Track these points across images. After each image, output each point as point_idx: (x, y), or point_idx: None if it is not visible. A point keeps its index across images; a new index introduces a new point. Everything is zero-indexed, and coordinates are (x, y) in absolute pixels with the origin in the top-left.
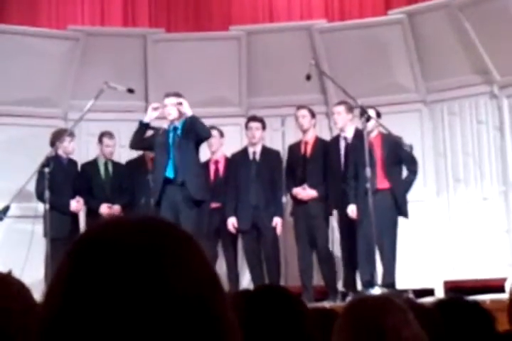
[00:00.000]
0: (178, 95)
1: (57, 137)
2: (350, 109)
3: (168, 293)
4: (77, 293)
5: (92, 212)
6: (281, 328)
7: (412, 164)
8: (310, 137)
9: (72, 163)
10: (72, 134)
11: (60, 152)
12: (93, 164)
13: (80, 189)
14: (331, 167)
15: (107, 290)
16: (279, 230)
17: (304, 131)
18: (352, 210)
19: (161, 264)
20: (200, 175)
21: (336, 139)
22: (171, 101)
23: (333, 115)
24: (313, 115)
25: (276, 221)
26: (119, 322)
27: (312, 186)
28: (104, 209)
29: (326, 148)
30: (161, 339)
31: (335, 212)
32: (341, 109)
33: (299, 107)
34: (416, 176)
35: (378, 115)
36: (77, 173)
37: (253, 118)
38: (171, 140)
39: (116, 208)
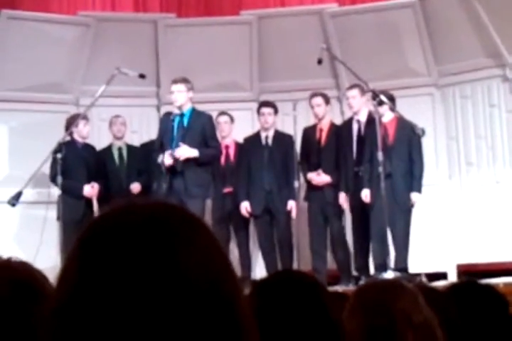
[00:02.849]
0: (185, 81)
1: (71, 121)
2: (363, 91)
3: (180, 277)
4: (88, 279)
5: (106, 198)
6: (306, 314)
7: (418, 154)
8: (325, 124)
9: (89, 147)
10: (86, 118)
11: (76, 136)
12: (107, 150)
13: (97, 175)
14: (343, 150)
15: (119, 274)
16: (294, 213)
17: (319, 119)
18: (366, 195)
19: (173, 249)
20: (201, 170)
21: (348, 122)
22: (178, 88)
23: (348, 99)
24: (327, 101)
25: (291, 204)
26: (131, 306)
27: (326, 172)
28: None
29: (338, 132)
30: (173, 324)
31: (343, 195)
32: (355, 92)
33: (313, 95)
34: (423, 170)
35: (393, 99)
36: (94, 158)
37: (265, 104)
38: (175, 127)
39: (136, 186)
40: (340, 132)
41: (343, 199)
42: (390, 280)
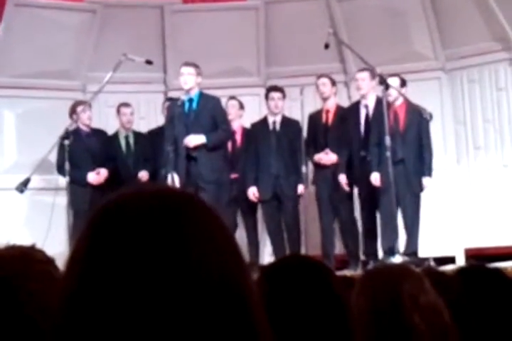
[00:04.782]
0: (196, 65)
1: (71, 110)
2: (373, 75)
3: (189, 264)
4: (96, 265)
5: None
6: (314, 298)
7: (427, 139)
8: (331, 105)
9: (97, 133)
10: (83, 103)
11: (80, 124)
12: (114, 138)
13: (105, 162)
14: (349, 134)
15: (128, 260)
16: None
17: (325, 99)
18: (375, 178)
19: (182, 235)
20: (214, 155)
21: (355, 106)
22: (188, 70)
23: (357, 81)
24: (333, 83)
25: (301, 188)
26: (140, 292)
27: (334, 151)
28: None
29: (344, 115)
30: (181, 310)
31: (344, 177)
32: (365, 75)
33: (320, 76)
34: (432, 155)
35: (403, 83)
36: (102, 144)
37: (274, 88)
38: (186, 112)
39: (144, 174)
40: (347, 115)
41: (344, 180)
42: (396, 264)
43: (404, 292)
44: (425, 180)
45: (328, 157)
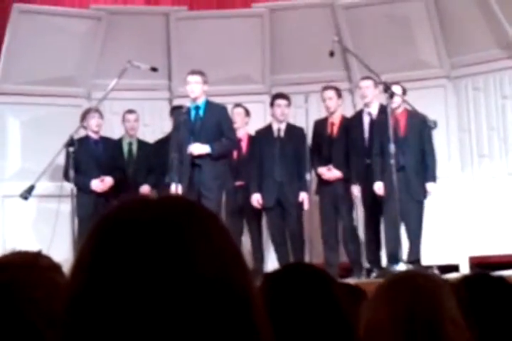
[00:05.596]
0: (202, 73)
1: (82, 117)
2: (376, 84)
3: (192, 271)
4: (101, 272)
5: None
6: (315, 305)
7: (430, 146)
8: (336, 117)
9: (106, 141)
10: (93, 110)
11: (89, 132)
12: (117, 144)
13: (112, 170)
14: (354, 142)
15: (131, 268)
16: (306, 205)
17: (331, 113)
18: (379, 187)
19: (185, 242)
20: (218, 163)
21: (359, 114)
22: (195, 79)
23: (361, 89)
24: (339, 95)
25: (303, 196)
26: (144, 299)
27: (337, 166)
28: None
29: (348, 124)
30: (184, 318)
31: (357, 188)
32: (369, 83)
33: (325, 88)
34: (435, 161)
35: (404, 91)
36: (109, 152)
37: (281, 96)
38: (193, 119)
39: (146, 188)
40: (351, 124)
41: (356, 191)
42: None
43: (438, 300)
44: (429, 186)
45: (330, 173)
